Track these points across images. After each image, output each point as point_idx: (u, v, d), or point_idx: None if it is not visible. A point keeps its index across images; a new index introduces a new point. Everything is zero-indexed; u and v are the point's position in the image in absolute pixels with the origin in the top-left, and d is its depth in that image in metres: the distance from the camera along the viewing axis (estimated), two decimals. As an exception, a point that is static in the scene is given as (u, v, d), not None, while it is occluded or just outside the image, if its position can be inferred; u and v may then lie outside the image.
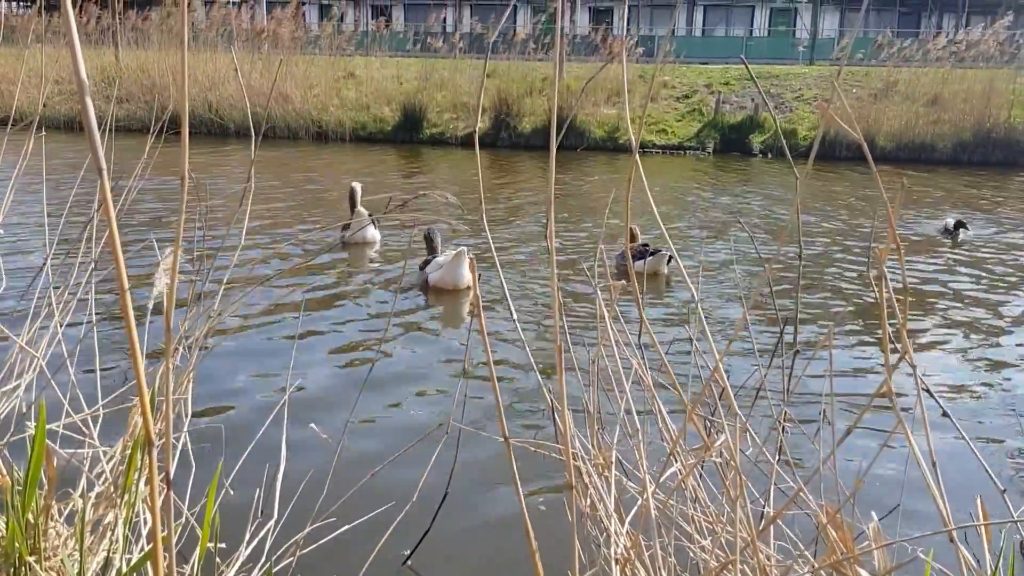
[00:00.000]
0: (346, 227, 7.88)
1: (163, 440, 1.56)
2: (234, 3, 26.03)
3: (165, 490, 1.44)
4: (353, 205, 8.03)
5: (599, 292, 1.80)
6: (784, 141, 3.25)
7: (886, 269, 1.55)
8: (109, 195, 0.97)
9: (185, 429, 2.08)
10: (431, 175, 13.92)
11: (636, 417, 1.75)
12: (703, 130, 18.26)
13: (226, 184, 11.43)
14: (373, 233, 7.97)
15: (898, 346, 1.35)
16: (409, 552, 2.71)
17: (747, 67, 1.89)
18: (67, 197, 2.73)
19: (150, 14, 21.97)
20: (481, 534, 2.90)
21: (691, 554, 1.66)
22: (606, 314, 1.63)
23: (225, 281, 2.24)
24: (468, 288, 6.50)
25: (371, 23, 26.71)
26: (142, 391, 1.12)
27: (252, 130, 2.35)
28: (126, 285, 1.04)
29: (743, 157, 17.09)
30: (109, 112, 3.90)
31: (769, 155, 17.34)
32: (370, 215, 7.65)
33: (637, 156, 1.48)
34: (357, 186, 7.99)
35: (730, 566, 1.51)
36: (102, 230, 2.55)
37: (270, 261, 7.13)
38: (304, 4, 31.06)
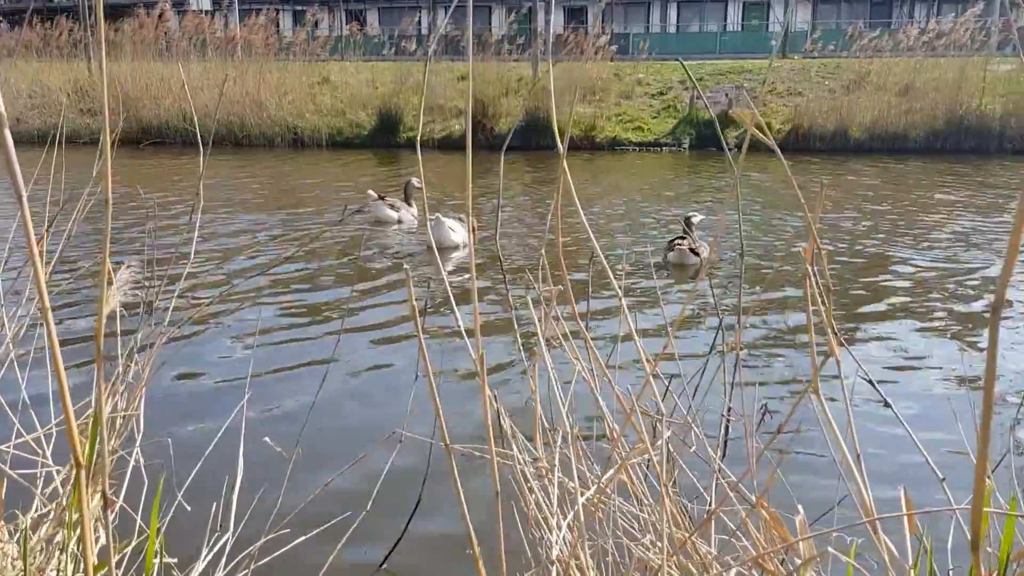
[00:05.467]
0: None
1: (99, 460, 1.56)
2: (207, 11, 25.94)
3: (103, 508, 1.44)
4: (407, 198, 9.22)
5: (532, 298, 1.82)
6: (714, 135, 3.29)
7: (816, 266, 1.58)
8: (29, 222, 0.98)
9: (137, 445, 2.08)
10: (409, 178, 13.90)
11: (566, 419, 1.77)
12: (678, 126, 18.33)
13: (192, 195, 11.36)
14: (453, 238, 8.02)
15: (847, 341, 1.37)
16: (383, 558, 2.72)
17: (684, 67, 1.91)
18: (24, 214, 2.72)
19: (122, 25, 21.86)
20: (452, 540, 2.91)
21: (635, 552, 1.68)
22: (538, 321, 1.65)
23: (176, 295, 2.24)
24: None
25: (345, 28, 26.65)
26: (68, 413, 1.13)
27: (201, 143, 2.35)
28: (47, 304, 1.06)
29: (719, 152, 17.18)
30: (82, 125, 3.89)
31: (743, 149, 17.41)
32: (433, 216, 8.07)
33: (564, 163, 1.50)
34: (415, 180, 8.97)
35: (669, 563, 1.53)
36: (52, 248, 2.55)
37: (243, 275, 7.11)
38: (277, 11, 30.99)
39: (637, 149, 17.93)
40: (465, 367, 4.59)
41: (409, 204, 9.31)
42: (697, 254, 7.00)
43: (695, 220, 7.44)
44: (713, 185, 13.07)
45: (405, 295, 6.33)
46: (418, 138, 1.40)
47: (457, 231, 7.94)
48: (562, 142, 1.47)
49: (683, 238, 7.07)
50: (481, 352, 1.26)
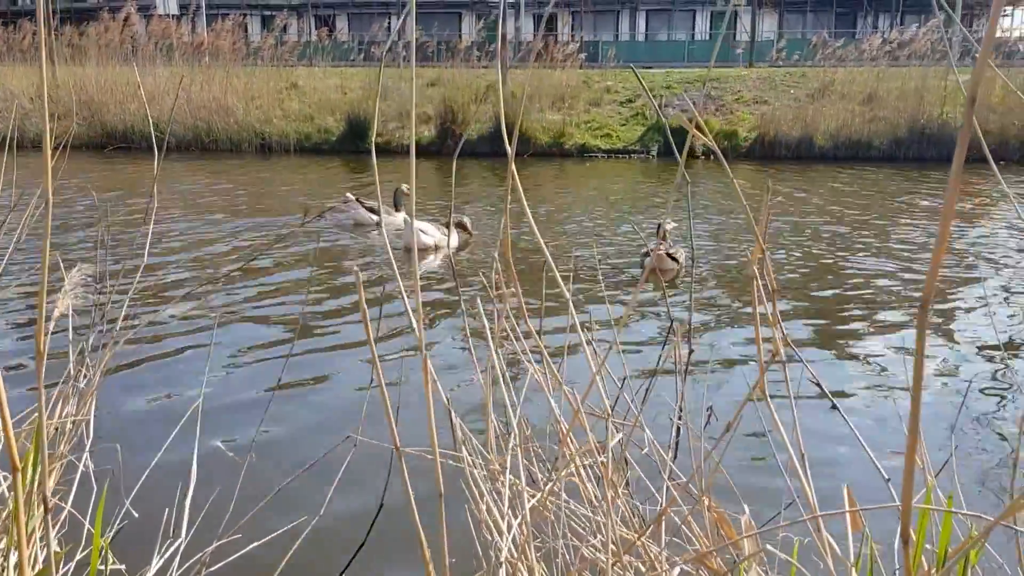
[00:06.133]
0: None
1: (39, 466, 1.54)
2: (174, 15, 25.69)
3: (43, 514, 1.42)
4: (396, 206, 9.16)
5: (483, 299, 1.82)
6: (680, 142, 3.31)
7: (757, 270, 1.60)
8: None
9: (87, 450, 2.06)
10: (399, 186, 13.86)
11: (512, 418, 1.77)
12: (647, 134, 18.46)
13: (163, 200, 11.25)
14: (424, 240, 8.08)
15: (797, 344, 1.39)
16: (346, 565, 2.70)
17: (636, 74, 1.93)
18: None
19: (87, 29, 21.57)
20: (412, 545, 2.90)
21: (585, 553, 1.68)
22: (485, 322, 1.65)
23: (129, 299, 2.22)
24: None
25: (314, 33, 26.54)
26: (4, 416, 1.12)
27: (155, 147, 2.32)
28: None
29: (687, 160, 17.28)
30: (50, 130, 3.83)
31: (711, 156, 17.59)
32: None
33: (513, 167, 1.51)
34: (404, 187, 8.90)
35: (615, 564, 1.53)
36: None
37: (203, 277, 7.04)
38: (246, 15, 30.78)
39: (606, 156, 18.02)
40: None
41: (398, 211, 9.24)
42: (675, 259, 7.07)
43: (669, 227, 7.50)
44: (681, 192, 13.16)
45: (371, 298, 6.31)
46: (411, 141, 1.40)
47: (429, 233, 8.00)
48: (510, 144, 1.47)
49: (661, 243, 7.11)
50: (425, 354, 1.26)
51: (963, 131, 0.81)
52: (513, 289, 1.65)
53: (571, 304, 1.41)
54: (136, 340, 4.61)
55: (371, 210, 9.11)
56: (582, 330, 1.45)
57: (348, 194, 9.38)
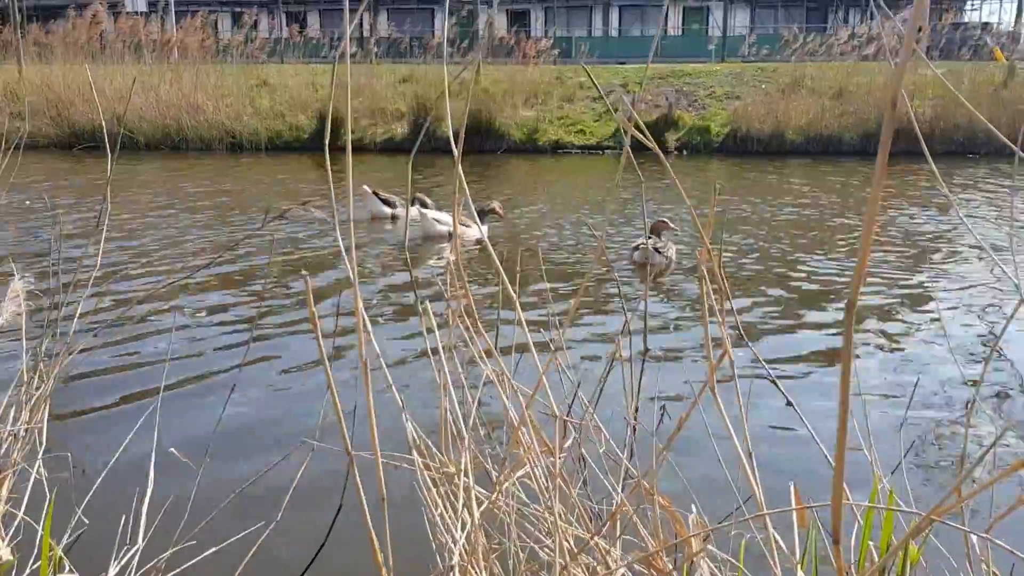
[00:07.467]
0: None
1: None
2: (142, 13, 25.41)
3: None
4: (412, 203, 9.17)
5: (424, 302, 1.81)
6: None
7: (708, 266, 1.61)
8: None
9: (40, 457, 2.03)
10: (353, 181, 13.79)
11: (460, 421, 1.77)
12: (619, 130, 18.50)
13: (127, 201, 11.14)
14: (439, 228, 8.20)
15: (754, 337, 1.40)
16: (303, 569, 2.68)
17: (589, 74, 1.93)
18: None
19: (54, 27, 21.29)
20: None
21: (541, 555, 1.68)
22: (434, 324, 1.65)
23: (80, 303, 2.19)
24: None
25: (285, 30, 26.35)
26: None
27: (107, 146, 2.29)
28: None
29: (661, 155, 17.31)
30: (12, 128, 3.77)
31: (684, 152, 17.68)
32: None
33: (460, 168, 1.51)
34: (367, 188, 9.08)
35: (571, 565, 1.54)
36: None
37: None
38: (215, 12, 30.50)
39: (580, 152, 18.05)
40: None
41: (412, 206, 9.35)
42: (662, 254, 7.18)
43: (660, 225, 7.57)
44: (654, 187, 13.20)
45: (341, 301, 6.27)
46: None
47: (443, 221, 8.08)
48: (456, 146, 1.47)
49: (649, 238, 7.19)
50: (364, 360, 1.25)
51: (884, 134, 0.81)
52: (464, 291, 1.65)
53: (518, 305, 1.41)
54: (90, 346, 4.53)
55: (386, 202, 9.12)
56: (528, 329, 1.45)
57: (364, 186, 9.26)
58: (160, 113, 17.87)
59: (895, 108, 0.82)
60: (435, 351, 1.71)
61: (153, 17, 24.35)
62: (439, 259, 7.90)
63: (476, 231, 8.20)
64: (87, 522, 1.90)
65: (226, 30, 31.99)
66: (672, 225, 7.57)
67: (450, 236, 8.15)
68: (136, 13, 24.38)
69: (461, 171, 1.46)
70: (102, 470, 2.22)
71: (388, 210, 9.21)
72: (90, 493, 1.98)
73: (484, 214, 8.36)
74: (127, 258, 7.52)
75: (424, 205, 8.56)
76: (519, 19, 39.11)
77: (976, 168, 14.94)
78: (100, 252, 2.23)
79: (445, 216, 8.28)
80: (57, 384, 2.13)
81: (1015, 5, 30.80)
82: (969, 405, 4.17)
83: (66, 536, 2.06)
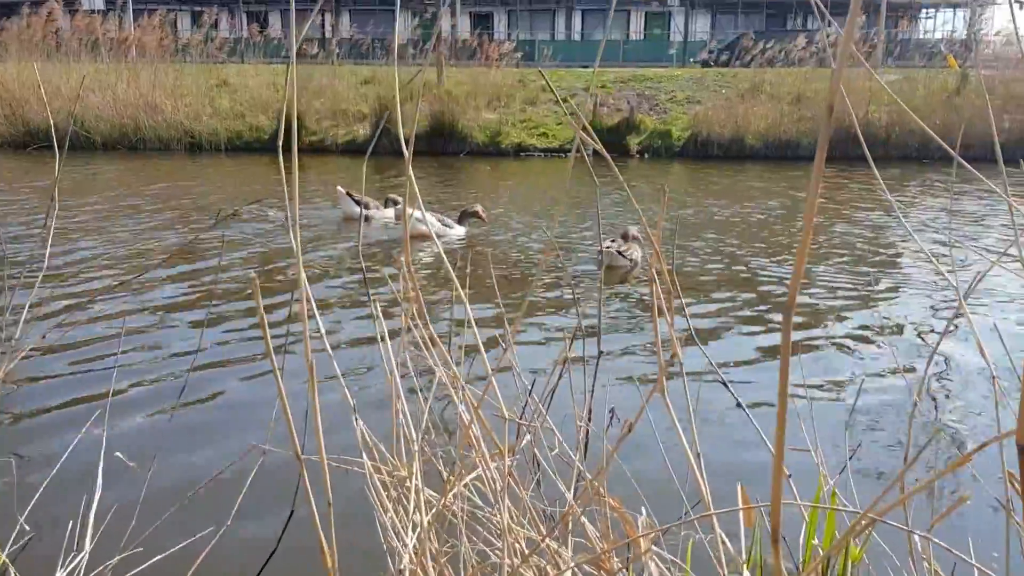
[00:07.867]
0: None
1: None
2: (99, 11, 24.98)
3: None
4: (386, 204, 9.34)
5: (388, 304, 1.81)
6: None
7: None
8: None
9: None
10: (314, 184, 13.68)
11: (409, 423, 1.76)
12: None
13: (81, 202, 10.94)
14: (419, 227, 8.23)
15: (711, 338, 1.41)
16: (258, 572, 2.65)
17: (546, 79, 1.93)
18: None
19: (7, 25, 20.84)
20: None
21: (493, 557, 1.68)
22: (385, 328, 1.64)
23: (28, 306, 2.14)
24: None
25: (246, 29, 26.06)
26: None
27: (56, 145, 2.24)
28: None
29: (621, 158, 17.46)
30: None
31: (646, 156, 17.81)
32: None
33: (411, 170, 1.50)
34: (341, 189, 9.24)
35: (522, 567, 1.54)
36: None
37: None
38: (174, 11, 30.08)
39: (542, 155, 18.08)
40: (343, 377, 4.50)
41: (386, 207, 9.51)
42: (625, 257, 7.22)
43: (632, 231, 7.62)
44: (620, 191, 13.28)
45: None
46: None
47: (425, 221, 8.06)
48: (407, 148, 1.46)
49: (614, 241, 7.26)
50: (311, 362, 1.24)
51: (820, 139, 0.82)
52: (414, 293, 1.64)
53: (467, 306, 1.41)
54: (36, 348, 4.43)
55: (359, 203, 9.14)
56: (478, 330, 1.44)
57: (339, 187, 9.43)
58: (117, 112, 17.57)
59: (832, 114, 0.83)
60: (383, 341, 1.70)
61: (110, 15, 23.90)
62: (416, 259, 7.87)
63: (461, 231, 8.70)
64: (28, 529, 1.86)
65: (185, 29, 31.59)
66: (635, 232, 7.62)
67: (429, 237, 8.22)
68: (93, 11, 23.97)
69: (412, 173, 1.45)
70: (48, 476, 2.17)
71: (359, 210, 9.21)
72: (33, 500, 1.94)
73: (467, 216, 8.72)
74: (78, 259, 7.39)
75: (397, 204, 8.77)
76: (482, 22, 39.12)
77: (931, 173, 15.24)
78: (47, 253, 2.19)
79: (430, 217, 8.29)
80: (2, 388, 2.08)
81: (968, 14, 31.50)
82: (913, 406, 4.24)
83: (10, 543, 2.01)
